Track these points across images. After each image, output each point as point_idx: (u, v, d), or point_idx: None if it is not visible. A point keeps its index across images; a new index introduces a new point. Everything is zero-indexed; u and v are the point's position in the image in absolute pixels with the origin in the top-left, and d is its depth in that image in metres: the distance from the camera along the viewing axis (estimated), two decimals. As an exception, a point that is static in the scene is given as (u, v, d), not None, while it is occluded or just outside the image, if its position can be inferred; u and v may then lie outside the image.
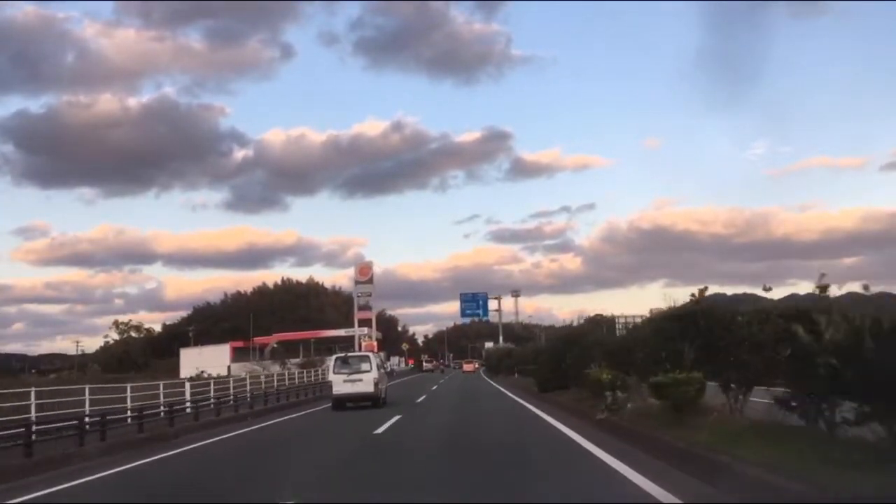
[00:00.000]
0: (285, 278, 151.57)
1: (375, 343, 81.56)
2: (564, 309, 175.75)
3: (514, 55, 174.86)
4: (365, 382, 25.52)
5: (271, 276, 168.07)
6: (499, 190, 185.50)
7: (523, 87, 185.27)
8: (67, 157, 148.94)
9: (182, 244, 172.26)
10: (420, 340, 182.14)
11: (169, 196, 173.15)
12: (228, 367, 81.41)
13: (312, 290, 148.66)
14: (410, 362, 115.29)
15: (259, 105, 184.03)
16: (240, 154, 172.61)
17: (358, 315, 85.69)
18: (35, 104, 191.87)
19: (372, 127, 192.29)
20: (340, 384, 25.63)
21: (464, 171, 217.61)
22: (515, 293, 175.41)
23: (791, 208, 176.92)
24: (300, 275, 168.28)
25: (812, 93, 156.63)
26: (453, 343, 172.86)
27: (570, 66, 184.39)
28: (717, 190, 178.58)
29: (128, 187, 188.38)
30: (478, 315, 79.24)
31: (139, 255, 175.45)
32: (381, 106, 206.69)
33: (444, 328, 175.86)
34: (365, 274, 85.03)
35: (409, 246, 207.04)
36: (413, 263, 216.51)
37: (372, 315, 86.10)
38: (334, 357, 29.42)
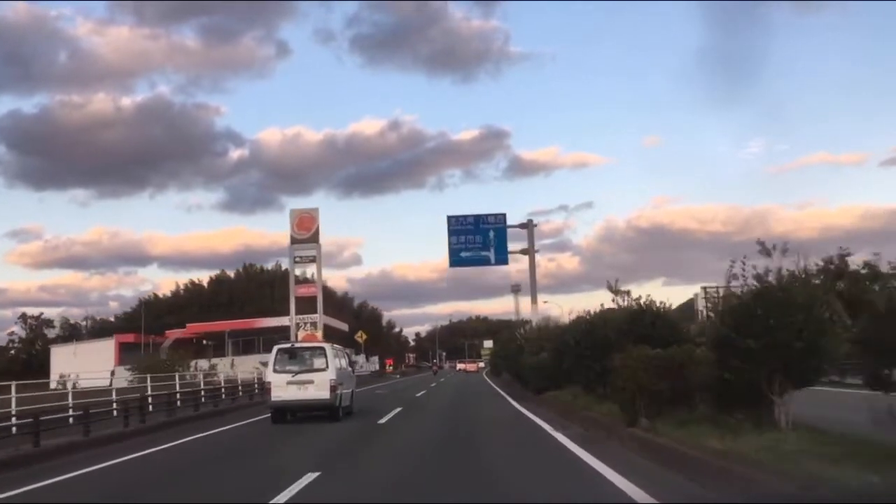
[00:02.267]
0: (247, 264, 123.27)
1: (320, 334, 49.90)
2: (562, 308, 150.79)
3: (512, 52, 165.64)
4: (318, 385, 17.84)
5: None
6: (496, 189, 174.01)
7: (522, 84, 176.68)
8: (61, 158, 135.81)
9: (177, 246, 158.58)
10: (411, 339, 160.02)
11: (164, 197, 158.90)
12: (112, 372, 51.36)
13: (278, 278, 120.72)
14: (389, 363, 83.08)
15: (255, 104, 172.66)
16: (235, 154, 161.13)
17: (298, 291, 53.69)
18: (27, 104, 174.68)
19: (369, 126, 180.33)
20: (283, 387, 17.87)
21: (461, 169, 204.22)
22: (515, 288, 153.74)
23: (790, 206, 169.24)
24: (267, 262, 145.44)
25: (812, 89, 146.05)
26: (447, 342, 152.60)
27: (568, 64, 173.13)
28: (716, 188, 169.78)
29: (122, 188, 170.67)
30: (486, 261, 33.54)
31: (134, 258, 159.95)
32: (378, 104, 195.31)
33: (439, 325, 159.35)
34: (306, 227, 52.79)
35: (406, 246, 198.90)
36: (410, 264, 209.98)
37: (318, 291, 53.81)
38: (275, 349, 19.01)
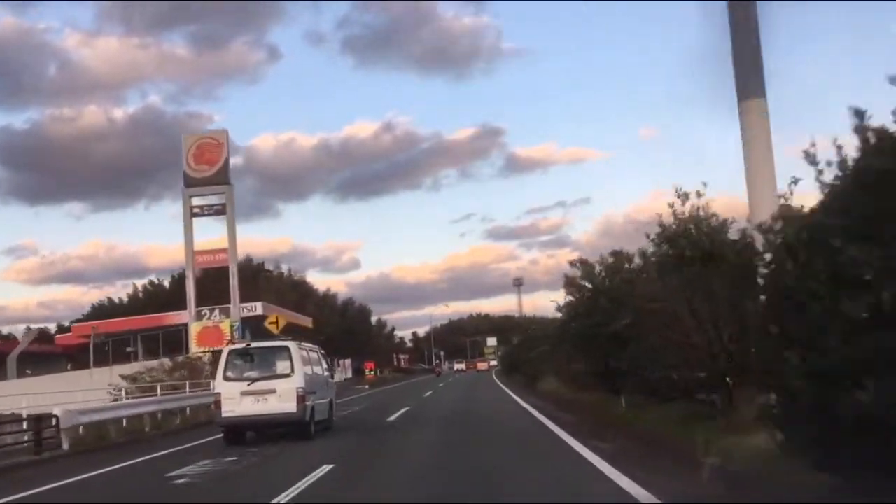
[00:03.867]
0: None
1: (227, 327, 29.83)
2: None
3: (505, 49, 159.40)
4: (280, 395, 14.11)
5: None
6: (493, 187, 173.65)
7: (516, 81, 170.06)
8: (54, 172, 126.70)
9: (175, 257, 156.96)
10: (408, 340, 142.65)
11: (159, 208, 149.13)
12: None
13: (248, 272, 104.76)
14: (369, 367, 62.84)
15: (247, 110, 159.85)
16: (230, 162, 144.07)
17: (196, 261, 33.41)
18: (18, 119, 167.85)
19: (363, 128, 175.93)
20: (235, 400, 14.15)
21: (457, 169, 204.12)
22: (518, 281, 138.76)
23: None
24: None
25: (806, 74, 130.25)
26: (447, 341, 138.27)
27: (562, 59, 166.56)
28: (714, 178, 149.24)
29: (116, 200, 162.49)
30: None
31: (132, 270, 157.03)
32: (371, 106, 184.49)
33: (434, 324, 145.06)
34: (209, 160, 32.84)
35: (405, 248, 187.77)
36: (409, 266, 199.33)
37: (229, 260, 33.63)
38: (226, 351, 15.50)
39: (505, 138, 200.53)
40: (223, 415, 14.09)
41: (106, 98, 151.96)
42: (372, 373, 60.57)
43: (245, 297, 72.16)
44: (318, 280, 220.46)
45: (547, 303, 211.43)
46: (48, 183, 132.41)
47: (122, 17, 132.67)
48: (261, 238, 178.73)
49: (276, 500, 7.51)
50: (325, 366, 17.15)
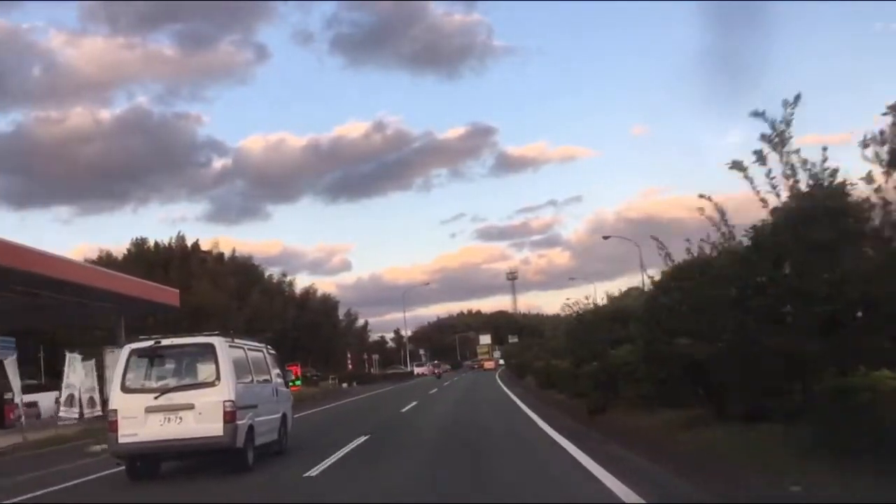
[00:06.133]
0: (137, 239, 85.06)
1: None
2: (555, 304, 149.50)
3: (496, 47, 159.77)
4: (201, 412, 10.14)
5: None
6: (484, 187, 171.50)
7: (507, 79, 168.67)
8: (41, 175, 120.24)
9: None
10: (389, 338, 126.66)
11: (147, 211, 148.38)
12: None
13: (178, 254, 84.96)
14: (295, 373, 38.67)
15: (236, 111, 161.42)
16: (219, 164, 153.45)
17: None
18: (2, 122, 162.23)
19: (353, 128, 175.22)
20: (139, 418, 10.18)
21: (448, 169, 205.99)
22: (511, 275, 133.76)
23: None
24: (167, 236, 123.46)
25: (798, 68, 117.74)
26: (436, 340, 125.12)
27: (554, 57, 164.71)
28: (705, 175, 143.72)
29: (104, 204, 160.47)
30: None
31: None
32: (361, 106, 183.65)
33: (426, 323, 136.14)
34: None
35: (396, 249, 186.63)
36: (400, 267, 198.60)
37: None
38: (127, 350, 10.85)
39: (496, 137, 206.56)
40: (120, 440, 10.02)
41: (92, 99, 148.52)
42: (296, 383, 36.31)
43: (173, 284, 50.39)
44: (310, 282, 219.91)
45: (536, 303, 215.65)
46: (34, 186, 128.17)
47: (107, 17, 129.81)
48: (251, 240, 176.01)
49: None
50: (276, 371, 12.96)
